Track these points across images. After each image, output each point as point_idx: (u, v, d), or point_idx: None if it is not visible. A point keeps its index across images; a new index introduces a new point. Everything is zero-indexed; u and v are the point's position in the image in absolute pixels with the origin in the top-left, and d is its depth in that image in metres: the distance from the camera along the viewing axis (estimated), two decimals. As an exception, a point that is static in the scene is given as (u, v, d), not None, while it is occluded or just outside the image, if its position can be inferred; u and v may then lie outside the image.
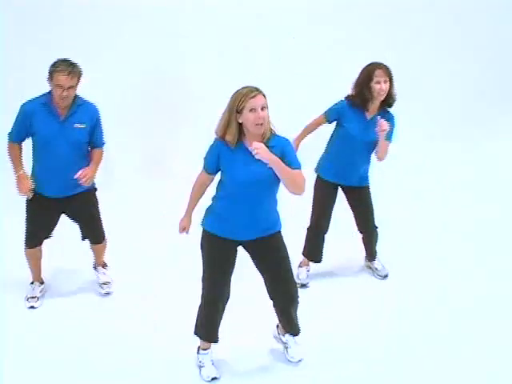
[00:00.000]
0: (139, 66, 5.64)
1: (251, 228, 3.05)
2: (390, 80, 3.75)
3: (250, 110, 2.87)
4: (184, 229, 3.29)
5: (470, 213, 5.27)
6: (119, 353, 3.43)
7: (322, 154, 4.09)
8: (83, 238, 3.94)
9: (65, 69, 3.42)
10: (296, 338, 3.38)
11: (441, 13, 6.17)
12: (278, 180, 2.97)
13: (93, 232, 3.91)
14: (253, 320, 3.66)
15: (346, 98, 3.89)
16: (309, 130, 4.02)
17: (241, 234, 3.06)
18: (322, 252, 4.19)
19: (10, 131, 3.67)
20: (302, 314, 3.40)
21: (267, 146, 2.89)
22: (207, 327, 3.29)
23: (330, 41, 5.85)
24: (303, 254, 4.23)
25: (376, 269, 4.31)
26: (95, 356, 3.40)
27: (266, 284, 3.21)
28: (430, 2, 6.14)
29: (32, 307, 3.85)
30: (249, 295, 3.70)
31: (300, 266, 4.25)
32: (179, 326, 3.66)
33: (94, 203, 3.85)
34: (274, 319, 3.39)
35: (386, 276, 4.27)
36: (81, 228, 3.90)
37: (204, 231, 3.15)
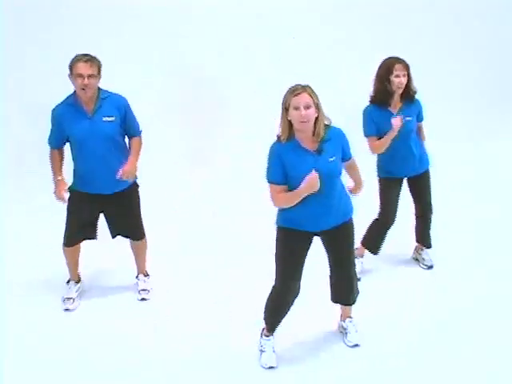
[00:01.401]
0: (138, 65, 5.64)
1: (325, 218, 3.11)
2: (408, 74, 3.89)
3: (295, 108, 2.92)
4: None
5: (470, 213, 5.27)
6: (119, 353, 3.43)
7: (377, 159, 4.15)
8: (114, 236, 3.92)
9: (82, 57, 3.48)
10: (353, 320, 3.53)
11: (441, 13, 6.17)
12: (340, 171, 3.13)
13: (133, 229, 3.90)
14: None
15: (370, 101, 3.98)
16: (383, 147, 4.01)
17: (316, 225, 3.13)
18: (381, 246, 4.32)
19: (48, 138, 3.71)
20: (302, 312, 3.42)
21: (324, 141, 3.01)
22: (274, 318, 3.34)
23: (330, 41, 5.85)
24: (363, 244, 4.32)
25: (423, 258, 4.43)
26: (95, 356, 3.40)
27: (330, 264, 3.35)
28: (429, 2, 6.14)
29: (67, 309, 3.82)
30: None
31: (355, 257, 4.29)
32: (179, 325, 3.67)
33: (135, 200, 3.85)
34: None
35: (431, 266, 4.37)
36: (116, 226, 3.85)
37: (279, 228, 3.18)
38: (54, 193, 3.68)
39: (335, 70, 5.68)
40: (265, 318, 3.38)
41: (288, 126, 2.98)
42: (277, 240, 3.21)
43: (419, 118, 4.15)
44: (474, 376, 3.24)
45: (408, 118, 3.98)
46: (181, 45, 5.71)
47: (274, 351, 3.36)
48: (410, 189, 4.28)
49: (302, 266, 3.23)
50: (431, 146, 6.06)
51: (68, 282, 3.98)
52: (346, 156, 3.19)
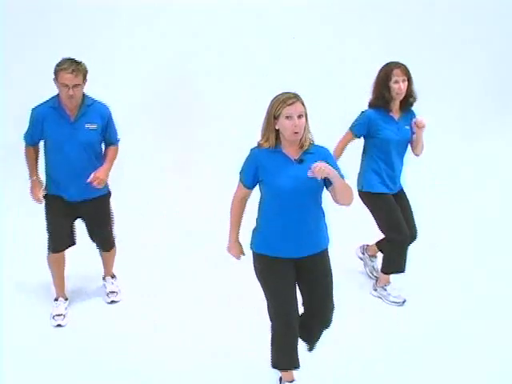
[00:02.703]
0: (139, 66, 5.64)
1: (301, 243, 2.91)
2: (409, 79, 3.74)
3: (287, 118, 2.78)
4: (240, 254, 3.09)
5: (470, 213, 5.28)
6: (119, 353, 3.42)
7: (362, 170, 3.95)
8: (93, 240, 3.90)
9: (68, 67, 3.38)
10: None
11: (442, 13, 6.17)
12: (321, 189, 2.89)
13: (103, 239, 3.88)
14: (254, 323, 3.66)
15: (368, 105, 3.86)
16: (341, 149, 3.86)
17: (291, 251, 2.91)
18: (405, 262, 3.96)
19: (24, 134, 3.66)
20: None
21: (306, 153, 2.85)
22: (287, 353, 3.01)
23: (330, 41, 5.85)
24: (385, 271, 4.01)
25: (373, 267, 4.31)
26: (95, 356, 3.39)
27: (303, 303, 3.06)
28: (430, 2, 6.14)
29: (59, 325, 3.70)
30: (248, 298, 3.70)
31: (385, 285, 4.03)
32: (179, 326, 3.67)
33: (107, 209, 3.81)
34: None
35: (377, 278, 4.19)
36: (89, 233, 3.85)
37: (255, 254, 2.99)
38: (30, 193, 3.63)
39: (335, 69, 5.68)
40: (277, 364, 3.05)
41: (275, 134, 2.86)
42: (254, 265, 3.00)
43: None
44: (474, 376, 3.24)
45: (407, 127, 3.85)
46: (181, 45, 5.71)
47: None
48: None
49: (293, 291, 2.95)
50: (431, 146, 6.08)
51: (56, 299, 3.87)
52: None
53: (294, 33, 5.82)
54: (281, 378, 3.13)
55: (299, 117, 2.79)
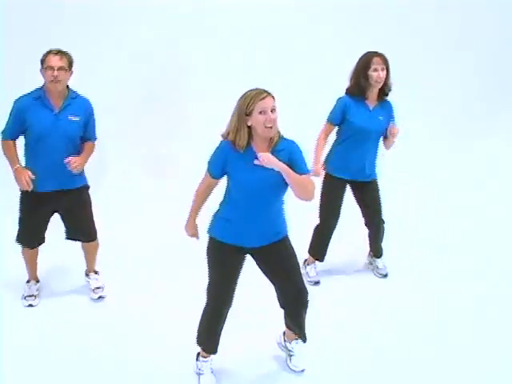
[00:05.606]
0: (139, 65, 5.64)
1: (260, 234, 2.96)
2: (387, 69, 3.80)
3: (260, 113, 2.79)
4: (194, 235, 3.14)
5: (469, 213, 5.28)
6: (119, 353, 3.43)
7: (330, 150, 4.07)
8: (68, 238, 3.91)
9: (54, 50, 3.54)
10: (302, 344, 3.31)
11: (441, 12, 6.17)
12: (286, 184, 2.88)
13: (84, 230, 3.88)
14: (254, 327, 3.64)
15: (346, 91, 3.92)
16: (322, 144, 3.95)
17: (249, 240, 2.96)
18: (326, 251, 4.21)
19: (3, 129, 3.66)
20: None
21: (276, 151, 2.85)
22: (209, 337, 3.19)
23: (329, 41, 5.85)
24: (309, 252, 4.25)
25: (377, 267, 4.32)
26: (95, 356, 3.40)
27: (276, 291, 3.11)
28: (429, 2, 6.14)
29: (30, 305, 3.87)
30: (251, 301, 3.71)
31: (308, 265, 4.27)
32: (176, 326, 3.67)
33: (86, 200, 3.84)
34: (277, 326, 3.38)
35: (385, 275, 4.28)
36: (68, 227, 3.86)
37: (210, 238, 3.03)
38: (17, 180, 3.58)
39: (335, 69, 5.65)
40: (199, 341, 3.22)
41: (247, 132, 2.84)
42: (207, 249, 3.04)
43: (391, 119, 3.97)
44: (474, 376, 3.24)
45: (380, 118, 3.90)
46: (181, 45, 5.71)
47: (212, 372, 3.23)
48: (357, 196, 4.11)
49: (236, 281, 3.04)
50: (431, 146, 6.09)
51: (28, 281, 4.00)
52: (298, 170, 2.85)
53: (293, 33, 5.81)
54: (198, 353, 3.27)
55: (272, 111, 2.81)
